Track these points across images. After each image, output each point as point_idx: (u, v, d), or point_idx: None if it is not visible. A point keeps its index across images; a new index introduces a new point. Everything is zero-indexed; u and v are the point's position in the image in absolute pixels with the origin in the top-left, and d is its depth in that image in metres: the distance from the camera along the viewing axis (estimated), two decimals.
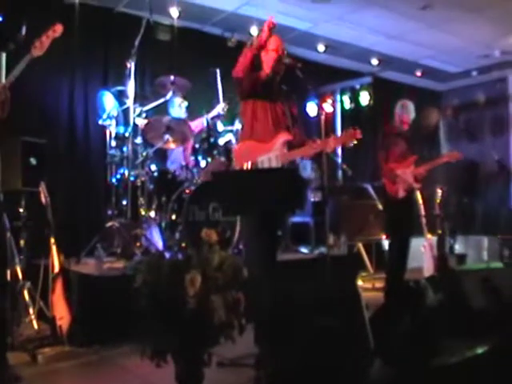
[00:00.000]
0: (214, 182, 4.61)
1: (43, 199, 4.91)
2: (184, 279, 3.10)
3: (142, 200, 6.38)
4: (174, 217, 6.27)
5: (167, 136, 6.59)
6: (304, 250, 7.56)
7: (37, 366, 4.37)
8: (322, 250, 7.16)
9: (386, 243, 8.18)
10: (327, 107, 4.89)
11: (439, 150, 12.09)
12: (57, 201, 5.62)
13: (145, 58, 7.22)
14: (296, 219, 7.93)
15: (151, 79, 7.68)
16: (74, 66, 7.57)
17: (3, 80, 4.63)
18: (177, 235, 6.16)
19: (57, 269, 4.82)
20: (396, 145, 6.43)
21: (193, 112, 7.37)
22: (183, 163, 6.87)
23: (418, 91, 11.17)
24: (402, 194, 6.30)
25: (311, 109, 9.30)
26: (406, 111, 6.50)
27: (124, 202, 6.45)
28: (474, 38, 9.27)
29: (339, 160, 9.31)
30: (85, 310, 4.89)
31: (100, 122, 6.78)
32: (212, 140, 6.88)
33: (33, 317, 4.94)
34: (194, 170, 6.71)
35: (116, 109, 6.73)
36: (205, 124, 6.97)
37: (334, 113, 10.62)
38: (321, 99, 4.78)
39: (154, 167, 6.67)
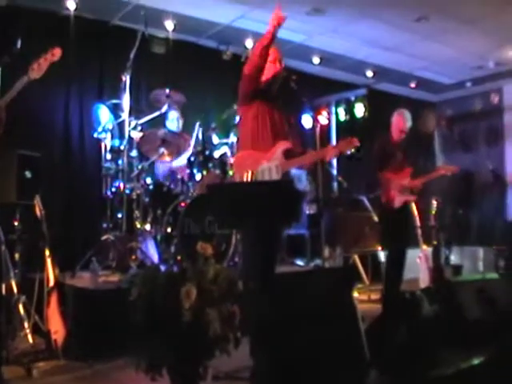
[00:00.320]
0: (209, 194, 4.61)
1: (38, 212, 4.90)
2: (179, 292, 3.10)
3: (137, 213, 6.37)
4: (169, 230, 6.27)
5: (162, 149, 6.61)
6: (300, 262, 7.55)
7: (32, 380, 4.33)
8: (318, 262, 7.15)
9: (381, 255, 8.18)
10: (322, 119, 4.91)
11: (434, 160, 12.11)
12: (52, 214, 5.60)
13: (140, 70, 7.25)
14: (291, 231, 7.92)
15: (146, 92, 7.69)
16: (69, 79, 7.59)
17: None
18: (172, 248, 6.15)
19: (52, 282, 4.81)
20: (392, 156, 6.43)
21: (187, 125, 7.37)
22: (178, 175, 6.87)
23: (413, 102, 11.20)
24: (397, 204, 6.30)
25: (306, 121, 9.34)
26: (403, 119, 6.51)
27: (119, 215, 6.45)
28: (468, 49, 9.32)
29: (334, 172, 9.32)
30: (80, 323, 4.87)
31: (95, 135, 6.79)
32: (207, 153, 6.89)
33: (28, 331, 4.91)
34: (190, 183, 6.70)
35: (111, 122, 6.74)
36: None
37: (329, 125, 10.63)
38: (316, 111, 4.81)
39: (149, 180, 6.67)
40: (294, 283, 6.38)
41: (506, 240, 9.27)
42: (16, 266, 5.27)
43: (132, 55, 6.34)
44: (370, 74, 10.40)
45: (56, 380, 4.40)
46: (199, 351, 3.17)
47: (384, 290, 6.52)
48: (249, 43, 8.52)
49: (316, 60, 9.63)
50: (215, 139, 7.36)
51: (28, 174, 5.39)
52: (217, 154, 6.99)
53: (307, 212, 8.23)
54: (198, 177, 6.76)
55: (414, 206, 6.71)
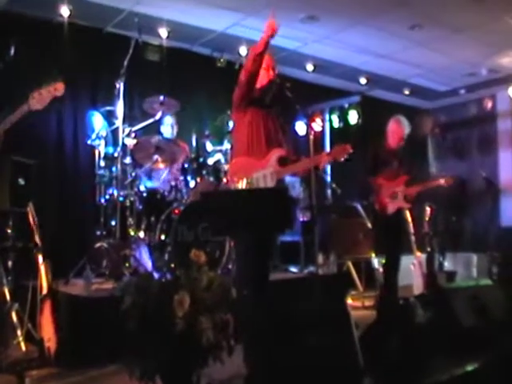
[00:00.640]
0: (203, 202, 4.60)
1: (31, 219, 4.89)
2: (172, 300, 3.09)
3: (130, 220, 6.35)
4: (162, 237, 6.25)
5: (156, 156, 6.61)
6: (293, 269, 7.55)
7: None
8: (312, 269, 7.15)
9: (375, 261, 8.19)
10: (316, 126, 4.91)
11: (428, 168, 12.14)
12: (45, 221, 5.59)
13: (134, 77, 7.22)
14: (285, 238, 7.91)
15: (140, 99, 7.66)
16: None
17: None
18: (166, 256, 6.13)
19: (45, 290, 4.79)
20: (387, 163, 6.44)
21: (181, 132, 7.37)
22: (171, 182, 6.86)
23: (407, 109, 11.22)
24: (390, 211, 6.30)
25: (300, 128, 9.36)
26: (401, 126, 6.49)
27: (113, 223, 6.43)
28: (461, 56, 9.36)
29: (328, 179, 9.32)
30: (73, 331, 4.85)
31: (89, 142, 6.78)
32: (201, 160, 6.89)
33: (21, 338, 4.90)
34: (183, 190, 6.69)
35: (105, 129, 6.73)
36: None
37: (322, 132, 10.66)
38: (310, 118, 4.81)
39: (142, 187, 6.66)
40: (287, 290, 6.40)
41: (500, 246, 9.29)
42: (9, 273, 5.26)
43: (126, 62, 6.34)
44: (363, 81, 10.42)
45: None
46: (193, 359, 3.17)
47: (379, 297, 6.53)
48: (243, 50, 8.53)
49: (310, 67, 9.64)
50: (209, 146, 7.36)
51: (21, 181, 5.38)
52: (211, 161, 6.99)
53: (301, 219, 8.23)
54: (191, 184, 6.76)
55: (407, 213, 6.72)
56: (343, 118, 10.50)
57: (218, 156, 7.07)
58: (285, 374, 3.27)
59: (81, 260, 6.04)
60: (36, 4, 7.00)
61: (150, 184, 6.79)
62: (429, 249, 8.07)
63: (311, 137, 4.48)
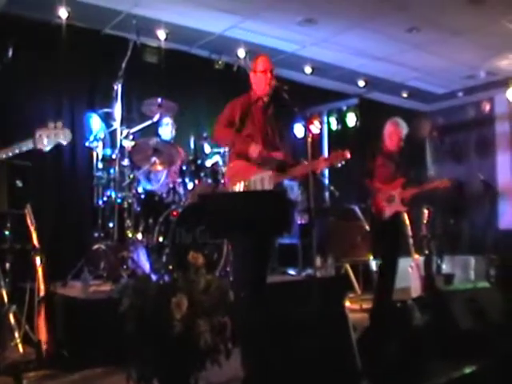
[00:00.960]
0: (201, 204, 4.60)
1: (29, 221, 4.88)
2: (170, 302, 3.09)
3: (128, 222, 6.35)
4: (160, 239, 6.24)
5: (154, 158, 6.60)
6: (291, 271, 7.54)
7: None
8: (310, 271, 7.14)
9: (373, 264, 8.19)
10: (314, 129, 4.92)
11: (426, 170, 12.14)
12: (43, 223, 5.57)
13: (132, 79, 7.22)
14: (283, 241, 7.90)
15: (138, 101, 7.65)
16: (60, 87, 7.57)
17: None
18: (164, 258, 6.12)
19: (42, 292, 4.78)
20: (384, 166, 6.42)
21: (179, 134, 7.36)
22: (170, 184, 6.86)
23: (405, 112, 11.22)
24: (387, 214, 6.30)
25: (298, 130, 9.37)
26: (399, 128, 6.47)
27: (111, 225, 6.43)
28: (459, 59, 9.36)
29: (326, 181, 9.32)
30: (71, 333, 4.85)
31: (87, 144, 6.78)
32: (199, 162, 6.89)
33: (18, 340, 4.88)
34: (182, 192, 6.69)
35: (103, 131, 6.73)
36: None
37: (320, 134, 10.66)
38: (308, 121, 4.81)
39: (140, 189, 6.65)
40: (285, 293, 6.39)
41: (497, 249, 9.30)
42: (7, 275, 5.25)
43: (124, 64, 6.34)
44: (361, 83, 10.42)
45: None
46: (190, 362, 3.17)
47: (375, 300, 6.52)
48: (241, 53, 8.52)
49: (308, 70, 9.64)
50: (207, 148, 7.35)
51: (19, 183, 5.38)
52: (209, 164, 6.99)
53: (299, 221, 8.22)
54: (189, 186, 6.76)
55: (405, 216, 6.71)
56: (341, 120, 10.52)
57: (216, 158, 7.06)
58: (282, 377, 3.27)
59: (79, 262, 6.04)
60: (34, 6, 6.99)
61: (148, 186, 6.78)
62: (427, 251, 8.04)
63: (309, 139, 4.47)
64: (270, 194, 4.34)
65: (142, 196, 6.59)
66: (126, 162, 6.62)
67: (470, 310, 4.32)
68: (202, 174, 6.85)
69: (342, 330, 3.40)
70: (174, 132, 7.18)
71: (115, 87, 6.41)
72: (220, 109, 4.89)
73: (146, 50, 8.22)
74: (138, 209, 6.48)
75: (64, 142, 4.33)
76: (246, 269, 4.25)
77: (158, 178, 6.88)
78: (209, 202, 4.17)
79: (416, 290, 7.05)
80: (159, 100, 6.86)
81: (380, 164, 6.42)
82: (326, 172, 9.55)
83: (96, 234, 6.54)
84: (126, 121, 6.77)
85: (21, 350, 4.87)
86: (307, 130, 4.95)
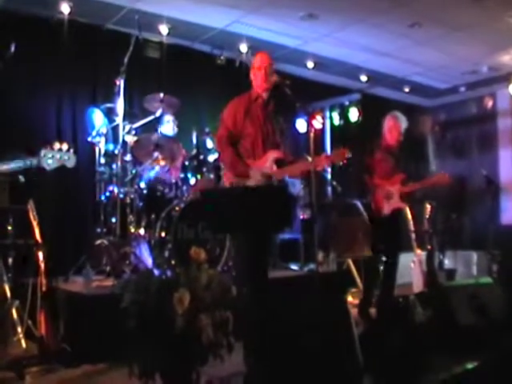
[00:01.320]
0: (203, 199, 4.61)
1: (31, 217, 4.88)
2: (172, 297, 3.09)
3: (131, 217, 6.34)
4: (163, 234, 6.24)
5: (156, 153, 6.60)
6: (293, 267, 7.54)
7: None
8: (312, 267, 7.14)
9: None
10: (316, 124, 4.91)
11: (427, 166, 12.13)
12: (45, 218, 5.58)
13: (134, 75, 7.21)
14: (285, 236, 7.90)
15: (140, 96, 7.63)
16: (62, 82, 7.56)
17: None
18: (166, 253, 6.12)
19: (45, 287, 4.79)
20: (384, 161, 6.39)
21: (181, 129, 7.35)
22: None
23: (407, 107, 11.20)
24: (386, 211, 6.25)
25: (300, 125, 9.37)
26: (398, 122, 6.42)
27: (113, 220, 6.44)
28: (461, 54, 9.35)
29: (328, 176, 9.31)
30: (73, 328, 4.86)
31: (89, 140, 6.78)
32: (201, 157, 6.89)
33: (21, 336, 4.89)
34: (184, 188, 6.68)
35: (105, 126, 6.73)
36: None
37: (323, 129, 10.64)
38: (310, 116, 4.78)
39: (143, 184, 6.65)
40: (287, 288, 6.40)
41: (500, 244, 9.28)
42: (9, 270, 5.26)
43: (126, 59, 6.32)
44: (364, 78, 10.42)
45: None
46: (192, 357, 3.17)
47: (377, 296, 6.50)
48: (243, 48, 8.52)
49: (310, 65, 9.63)
50: (209, 143, 7.34)
51: (21, 179, 5.37)
52: (211, 159, 6.99)
53: (301, 217, 8.21)
54: (192, 181, 6.76)
55: (408, 211, 6.70)
56: (344, 115, 10.48)
57: None
58: (284, 372, 3.28)
59: (81, 257, 6.05)
60: (36, 1, 6.99)
61: (153, 173, 6.71)
62: (429, 247, 8.05)
63: (311, 134, 4.47)
64: (271, 188, 4.35)
65: (145, 191, 6.58)
66: (128, 157, 6.61)
67: (472, 305, 4.33)
68: (204, 170, 6.84)
69: (344, 325, 3.41)
70: (175, 129, 7.16)
71: (117, 82, 6.40)
72: (222, 104, 4.89)
73: (148, 45, 8.20)
74: (141, 204, 6.48)
75: (68, 166, 4.32)
76: (248, 264, 4.26)
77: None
78: (210, 197, 4.17)
79: (418, 285, 7.06)
80: (161, 95, 6.86)
81: (380, 159, 6.37)
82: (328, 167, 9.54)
83: (98, 230, 6.55)
84: (129, 116, 6.76)
85: (23, 345, 4.87)
86: (309, 125, 4.94)
